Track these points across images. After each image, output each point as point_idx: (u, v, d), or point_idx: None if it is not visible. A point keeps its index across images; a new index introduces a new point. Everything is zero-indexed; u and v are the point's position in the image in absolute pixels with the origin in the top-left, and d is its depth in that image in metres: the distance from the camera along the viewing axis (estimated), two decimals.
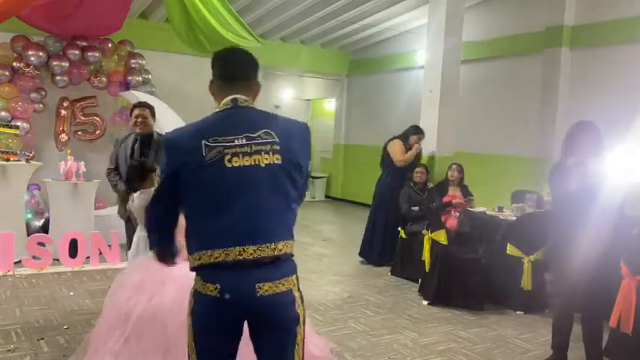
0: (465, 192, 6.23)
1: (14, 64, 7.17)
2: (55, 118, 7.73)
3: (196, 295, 1.86)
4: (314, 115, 14.28)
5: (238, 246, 1.79)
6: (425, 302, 5.07)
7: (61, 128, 7.74)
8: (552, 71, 7.79)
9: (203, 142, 1.82)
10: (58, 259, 5.70)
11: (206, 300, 1.82)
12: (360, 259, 6.67)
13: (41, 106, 7.45)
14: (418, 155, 6.67)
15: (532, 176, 7.55)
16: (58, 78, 7.40)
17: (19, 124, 6.86)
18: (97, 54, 7.57)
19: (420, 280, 5.36)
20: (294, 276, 1.91)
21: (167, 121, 7.21)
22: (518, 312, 4.90)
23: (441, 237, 5.09)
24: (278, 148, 1.86)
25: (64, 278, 5.45)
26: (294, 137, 1.93)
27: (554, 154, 7.26)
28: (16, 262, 5.53)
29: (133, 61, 7.94)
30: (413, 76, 10.09)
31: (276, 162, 1.85)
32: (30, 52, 7.16)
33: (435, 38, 7.30)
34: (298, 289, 1.91)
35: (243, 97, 1.95)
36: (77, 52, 7.41)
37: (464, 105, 8.19)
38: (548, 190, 5.69)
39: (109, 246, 5.87)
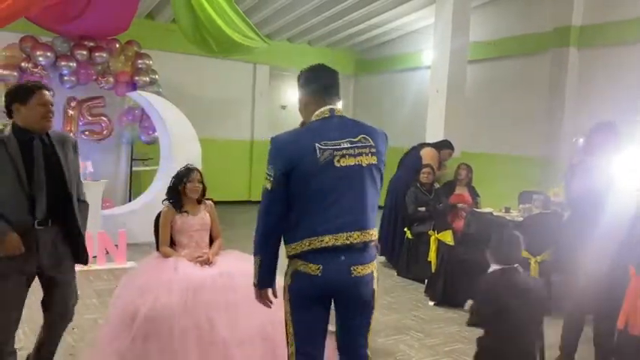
0: (472, 192, 6.21)
1: (22, 64, 7.23)
2: (63, 118, 7.78)
3: (296, 275, 2.20)
4: None
5: (346, 232, 2.14)
6: (431, 303, 5.05)
7: (68, 128, 7.78)
8: (560, 71, 7.76)
9: (316, 145, 2.14)
10: None
11: (307, 278, 2.16)
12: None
13: None
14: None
15: (539, 176, 7.52)
16: (65, 78, 7.45)
17: None
18: (105, 54, 7.61)
19: (426, 280, 5.35)
20: (375, 260, 2.29)
21: (174, 122, 7.26)
22: None
23: (448, 238, 5.07)
24: (374, 150, 2.23)
25: None
26: (381, 141, 2.29)
27: (562, 154, 7.25)
28: None
29: (139, 61, 7.98)
30: (419, 76, 10.08)
31: (373, 162, 2.22)
32: (38, 53, 7.21)
33: (442, 38, 7.29)
34: (377, 270, 2.29)
35: (337, 107, 2.30)
36: (85, 52, 7.46)
37: (470, 105, 8.17)
38: (554, 191, 5.68)
39: (116, 246, 5.89)
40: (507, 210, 5.65)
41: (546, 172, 7.49)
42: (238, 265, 3.26)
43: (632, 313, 3.46)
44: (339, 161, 2.15)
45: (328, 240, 2.13)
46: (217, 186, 5.89)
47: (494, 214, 5.59)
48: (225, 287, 3.02)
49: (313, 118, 2.27)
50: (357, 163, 2.18)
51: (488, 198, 6.55)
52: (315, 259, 2.14)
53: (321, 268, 2.14)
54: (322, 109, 2.27)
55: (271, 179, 2.14)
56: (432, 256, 5.13)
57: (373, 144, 2.24)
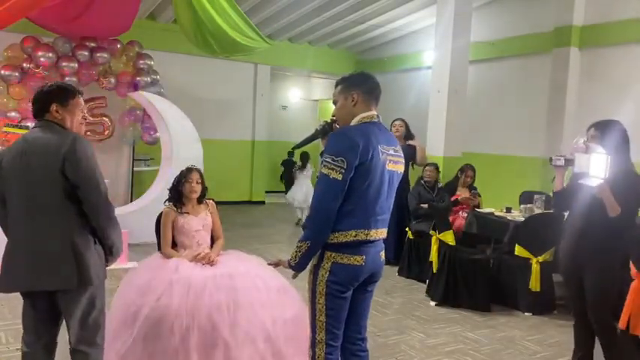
0: (474, 192, 6.21)
1: (24, 64, 7.24)
2: None
3: (335, 267, 2.38)
4: (321, 115, 14.23)
5: (382, 228, 2.47)
6: (432, 303, 5.05)
7: None
8: (561, 71, 7.75)
9: (380, 147, 2.38)
10: None
11: (351, 268, 2.38)
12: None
13: None
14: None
15: (540, 177, 7.51)
16: (67, 79, 7.45)
17: (29, 124, 6.91)
18: (106, 55, 7.62)
19: (427, 280, 5.35)
20: None
21: (176, 122, 7.26)
22: (526, 313, 4.88)
23: (449, 238, 5.07)
24: (403, 161, 2.57)
25: None
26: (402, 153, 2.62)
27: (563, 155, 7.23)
28: None
29: (141, 61, 7.99)
30: (421, 77, 10.06)
31: (401, 171, 2.55)
32: (40, 53, 7.22)
33: (443, 38, 7.28)
34: None
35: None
36: (86, 52, 7.47)
37: (472, 105, 8.17)
38: None
39: None
40: (509, 210, 5.65)
41: (547, 172, 7.47)
42: (239, 265, 3.26)
43: (634, 312, 3.45)
44: (388, 165, 2.42)
45: (373, 234, 2.40)
46: (218, 186, 5.89)
47: (496, 214, 5.59)
48: (226, 288, 3.02)
49: (360, 118, 2.43)
50: (396, 169, 2.49)
51: (490, 198, 6.55)
52: (359, 251, 2.38)
53: (364, 258, 2.39)
54: (370, 113, 2.45)
55: (342, 170, 2.27)
56: (434, 257, 5.13)
57: (402, 154, 2.56)
